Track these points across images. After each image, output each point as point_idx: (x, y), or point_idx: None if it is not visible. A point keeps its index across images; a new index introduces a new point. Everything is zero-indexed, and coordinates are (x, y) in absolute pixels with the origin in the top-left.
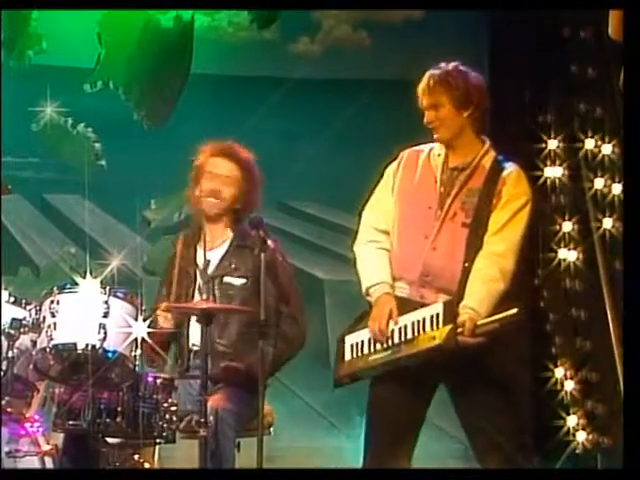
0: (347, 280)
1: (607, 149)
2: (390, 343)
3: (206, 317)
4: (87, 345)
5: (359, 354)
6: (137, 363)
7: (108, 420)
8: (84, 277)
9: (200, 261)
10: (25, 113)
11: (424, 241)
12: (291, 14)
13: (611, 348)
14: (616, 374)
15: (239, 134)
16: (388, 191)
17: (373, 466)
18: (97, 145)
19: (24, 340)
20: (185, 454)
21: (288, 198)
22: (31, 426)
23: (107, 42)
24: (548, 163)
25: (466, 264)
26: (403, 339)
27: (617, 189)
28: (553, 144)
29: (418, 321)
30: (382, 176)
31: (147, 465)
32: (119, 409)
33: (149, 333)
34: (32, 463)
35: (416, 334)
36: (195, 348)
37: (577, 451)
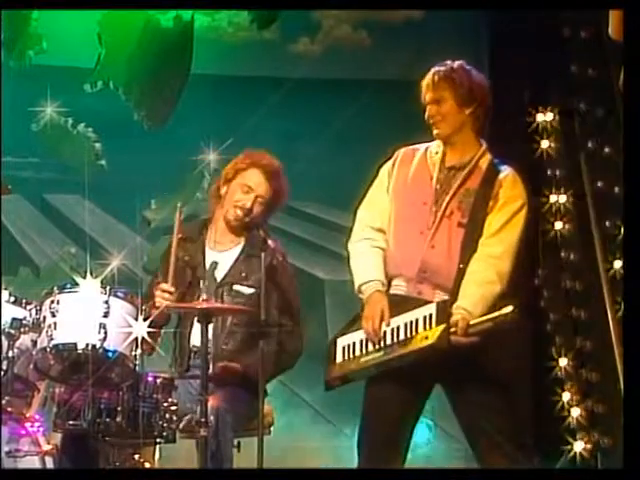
0: (347, 280)
1: (607, 150)
2: (382, 344)
3: (206, 317)
4: (87, 345)
5: (351, 356)
6: (137, 363)
7: (108, 420)
8: (84, 277)
9: (208, 260)
10: (25, 113)
11: (420, 237)
12: (291, 14)
13: (611, 348)
14: (616, 374)
15: (239, 134)
16: (383, 189)
17: (366, 466)
18: (97, 145)
19: (24, 340)
20: (185, 454)
21: (288, 198)
22: (31, 426)
23: (107, 42)
24: (548, 163)
25: (461, 265)
26: (396, 340)
27: (618, 190)
28: (553, 144)
29: (411, 322)
30: (377, 175)
31: (147, 465)
32: (119, 409)
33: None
34: (32, 463)
35: (409, 335)
36: (195, 349)
37: (577, 451)
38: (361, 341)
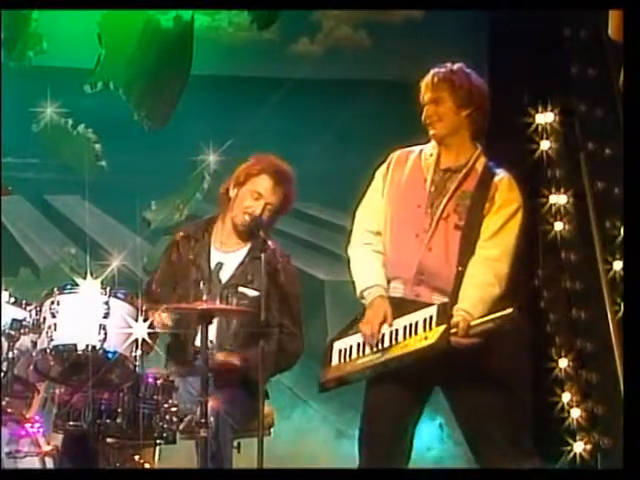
0: (348, 281)
1: (607, 150)
2: (380, 346)
3: (206, 318)
4: (87, 346)
5: (347, 359)
6: (137, 364)
7: (108, 421)
8: (84, 278)
9: (213, 260)
10: (25, 114)
11: (416, 240)
12: (291, 14)
13: (611, 349)
14: (616, 375)
15: (239, 135)
16: (378, 192)
17: (368, 466)
18: (97, 146)
19: (24, 341)
20: (185, 454)
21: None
22: (31, 427)
23: (107, 43)
24: (548, 164)
25: (459, 268)
26: (394, 342)
27: (618, 190)
28: (553, 145)
29: (411, 324)
30: (372, 178)
31: (147, 466)
32: (119, 410)
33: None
34: (32, 464)
35: (408, 337)
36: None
37: (577, 451)
38: (358, 344)
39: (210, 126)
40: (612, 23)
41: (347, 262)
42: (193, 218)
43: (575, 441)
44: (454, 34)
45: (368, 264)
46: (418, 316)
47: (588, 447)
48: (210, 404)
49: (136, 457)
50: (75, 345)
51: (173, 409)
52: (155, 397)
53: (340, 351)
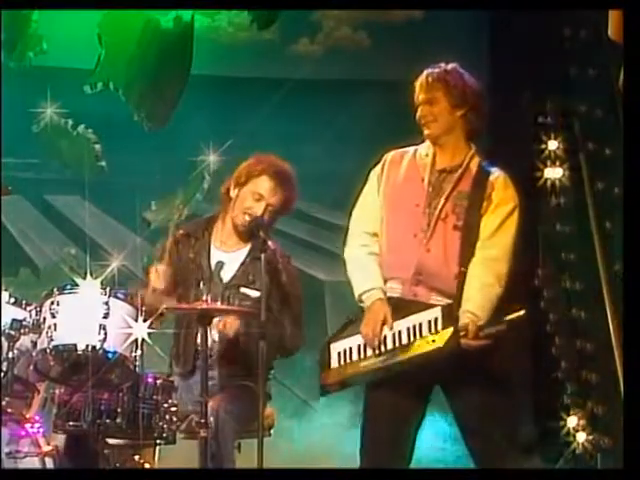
0: (347, 281)
1: (607, 151)
2: (383, 349)
3: (207, 317)
4: (87, 346)
5: (348, 361)
6: (137, 364)
7: (108, 421)
8: (84, 278)
9: (213, 259)
10: (25, 114)
11: (413, 240)
12: (291, 15)
13: (611, 349)
14: (616, 375)
15: (239, 135)
16: (374, 194)
17: (369, 467)
18: (97, 146)
19: (24, 341)
20: (185, 454)
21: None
22: (31, 427)
23: (107, 43)
24: (548, 164)
25: (462, 269)
26: (398, 344)
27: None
28: (553, 145)
29: (414, 326)
30: (367, 179)
31: (147, 466)
32: (119, 410)
33: None
34: (32, 464)
35: (412, 339)
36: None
37: (577, 451)
38: (358, 346)
39: (210, 126)
40: (612, 23)
41: (344, 264)
42: (193, 218)
43: (575, 440)
44: (454, 34)
45: (365, 267)
46: (421, 318)
47: (588, 447)
48: (210, 404)
49: (136, 457)
50: (75, 345)
51: (173, 409)
52: (155, 397)
53: (339, 353)
